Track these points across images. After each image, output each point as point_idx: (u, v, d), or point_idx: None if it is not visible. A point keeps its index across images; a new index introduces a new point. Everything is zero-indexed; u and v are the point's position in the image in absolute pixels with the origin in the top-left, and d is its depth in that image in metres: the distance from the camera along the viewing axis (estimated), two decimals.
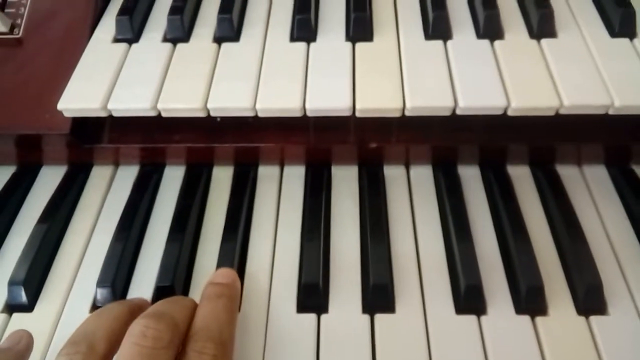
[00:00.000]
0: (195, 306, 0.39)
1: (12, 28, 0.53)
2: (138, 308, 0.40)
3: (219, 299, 0.39)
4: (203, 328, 0.36)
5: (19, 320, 0.44)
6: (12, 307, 0.45)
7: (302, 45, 0.50)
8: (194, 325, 0.36)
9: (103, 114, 0.46)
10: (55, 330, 0.43)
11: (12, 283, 0.45)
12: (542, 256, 0.45)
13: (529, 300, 0.43)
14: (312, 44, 0.50)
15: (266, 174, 0.54)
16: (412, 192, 0.52)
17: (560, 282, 0.45)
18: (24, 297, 0.44)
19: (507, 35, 0.50)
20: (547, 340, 0.41)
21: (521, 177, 0.52)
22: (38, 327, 0.43)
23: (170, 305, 0.38)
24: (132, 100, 0.46)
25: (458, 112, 0.45)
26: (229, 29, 0.51)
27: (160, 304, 0.38)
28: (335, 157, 0.54)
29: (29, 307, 0.45)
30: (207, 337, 0.35)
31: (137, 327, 0.34)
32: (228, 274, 0.43)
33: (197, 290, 0.45)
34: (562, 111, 0.45)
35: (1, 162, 0.56)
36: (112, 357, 0.35)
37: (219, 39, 0.51)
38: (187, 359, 0.34)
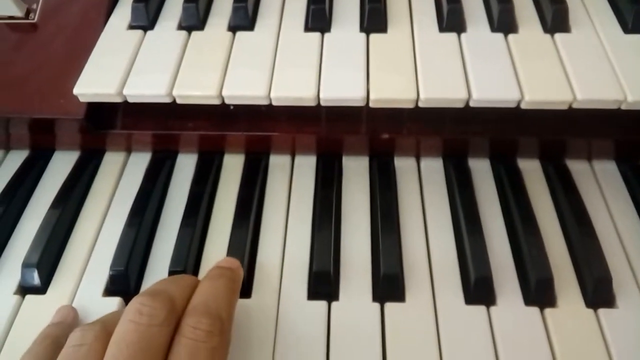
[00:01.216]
0: (196, 285, 0.39)
1: (28, 13, 0.54)
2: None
3: (219, 279, 0.40)
4: (200, 304, 0.36)
5: (32, 302, 0.44)
6: (25, 289, 0.45)
7: (316, 35, 0.50)
8: (192, 302, 0.37)
9: (118, 100, 0.47)
10: None
11: (25, 265, 0.45)
12: (551, 249, 0.46)
13: (538, 291, 0.43)
14: (327, 34, 0.50)
15: (277, 163, 0.54)
16: (422, 184, 0.52)
17: (570, 275, 0.45)
18: (37, 279, 0.45)
19: (521, 30, 0.50)
20: (555, 331, 0.41)
21: (531, 171, 0.52)
22: (51, 309, 0.43)
23: (170, 283, 0.38)
24: (147, 87, 0.46)
25: (471, 104, 0.45)
26: (244, 18, 0.51)
27: (159, 282, 0.39)
28: (346, 148, 0.54)
29: (42, 290, 0.45)
30: (202, 312, 0.35)
31: (133, 305, 0.34)
32: (232, 261, 0.43)
33: None
34: (575, 105, 0.45)
35: (15, 147, 0.56)
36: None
37: (233, 28, 0.51)
38: (182, 333, 0.34)
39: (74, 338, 0.34)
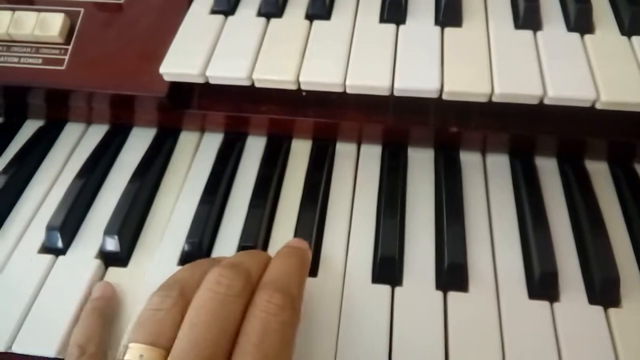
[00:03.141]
0: (269, 261, 0.41)
1: None
2: None
3: (291, 257, 0.41)
4: (273, 280, 0.38)
5: (114, 274, 0.47)
6: (106, 256, 0.48)
7: (391, 26, 0.51)
8: (264, 277, 0.38)
9: (201, 80, 0.49)
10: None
11: (107, 233, 0.48)
12: (616, 250, 0.45)
13: (603, 291, 0.43)
14: (402, 26, 0.51)
15: (344, 150, 0.55)
16: (487, 179, 0.52)
17: (635, 276, 0.45)
18: (118, 247, 0.47)
19: (597, 30, 0.50)
20: (619, 331, 0.42)
21: (598, 172, 0.52)
22: (131, 278, 0.47)
23: (247, 257, 0.40)
24: (228, 69, 0.48)
25: (546, 101, 0.45)
26: (321, 7, 0.53)
27: (237, 255, 0.41)
28: (412, 139, 0.55)
29: (124, 260, 0.48)
30: (276, 288, 0.37)
31: (212, 276, 0.36)
32: (301, 242, 0.45)
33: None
34: None
35: (96, 121, 0.59)
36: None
37: (310, 16, 0.53)
38: (255, 306, 0.36)
39: (152, 302, 0.37)
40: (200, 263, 0.41)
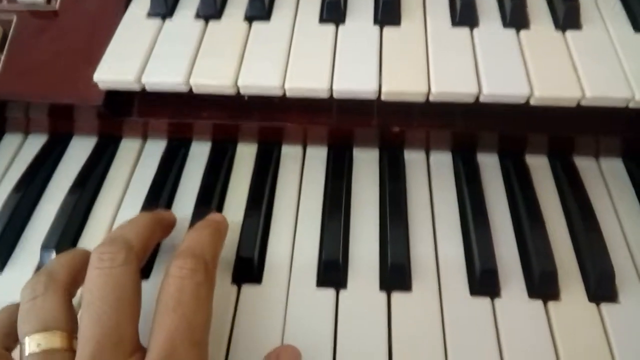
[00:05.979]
0: (152, 223, 0.42)
1: (49, 0, 0.55)
2: (162, 217, 0.45)
3: (205, 228, 0.43)
4: (186, 248, 0.39)
5: None
6: None
7: (330, 27, 0.51)
8: (179, 248, 0.39)
9: (136, 87, 0.48)
10: None
11: (44, 247, 0.46)
12: (556, 244, 0.46)
13: (542, 284, 0.44)
14: (341, 26, 0.51)
15: (289, 153, 0.55)
16: (431, 177, 0.53)
17: (573, 269, 0.46)
18: None
19: (532, 26, 0.51)
20: (558, 324, 0.42)
21: (539, 166, 0.53)
22: None
23: (125, 226, 0.41)
24: (165, 75, 0.48)
25: (481, 99, 0.46)
26: (260, 9, 0.52)
27: (117, 228, 0.41)
28: (357, 140, 0.55)
29: None
30: (188, 254, 0.38)
31: (94, 255, 0.37)
32: (217, 215, 0.46)
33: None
34: (584, 103, 0.46)
35: (34, 131, 0.58)
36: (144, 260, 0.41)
37: (250, 18, 0.52)
38: (169, 273, 0.37)
39: (24, 295, 0.36)
40: (68, 251, 0.41)
